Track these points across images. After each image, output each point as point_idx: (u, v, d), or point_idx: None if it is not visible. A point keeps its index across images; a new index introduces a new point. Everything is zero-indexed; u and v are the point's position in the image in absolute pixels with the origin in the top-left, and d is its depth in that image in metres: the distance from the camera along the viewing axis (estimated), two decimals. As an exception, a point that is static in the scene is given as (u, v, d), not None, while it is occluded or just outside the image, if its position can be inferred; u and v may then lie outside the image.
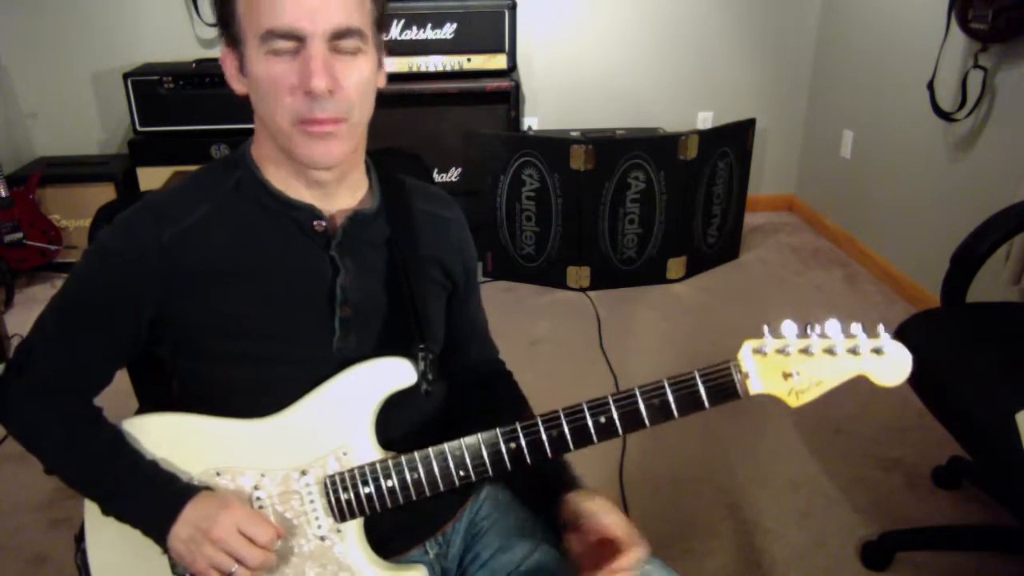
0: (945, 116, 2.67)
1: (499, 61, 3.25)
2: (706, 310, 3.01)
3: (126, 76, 3.16)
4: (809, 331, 0.86)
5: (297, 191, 0.93)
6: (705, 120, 3.83)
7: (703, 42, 3.70)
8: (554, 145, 2.99)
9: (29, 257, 3.14)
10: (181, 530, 0.87)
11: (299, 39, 0.82)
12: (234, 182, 0.93)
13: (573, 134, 3.47)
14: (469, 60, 3.24)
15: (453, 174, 3.32)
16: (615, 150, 2.97)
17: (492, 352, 1.19)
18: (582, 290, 3.15)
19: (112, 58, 3.47)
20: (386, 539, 0.97)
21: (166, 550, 0.89)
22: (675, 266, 3.20)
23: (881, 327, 0.85)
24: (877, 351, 0.84)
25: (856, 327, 0.85)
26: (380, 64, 0.92)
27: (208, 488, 0.91)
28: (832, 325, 0.85)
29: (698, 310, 3.02)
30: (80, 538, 0.99)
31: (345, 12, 0.83)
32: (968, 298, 1.75)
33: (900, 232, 3.08)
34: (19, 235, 3.08)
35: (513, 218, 3.15)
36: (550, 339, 2.79)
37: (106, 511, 0.91)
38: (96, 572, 0.97)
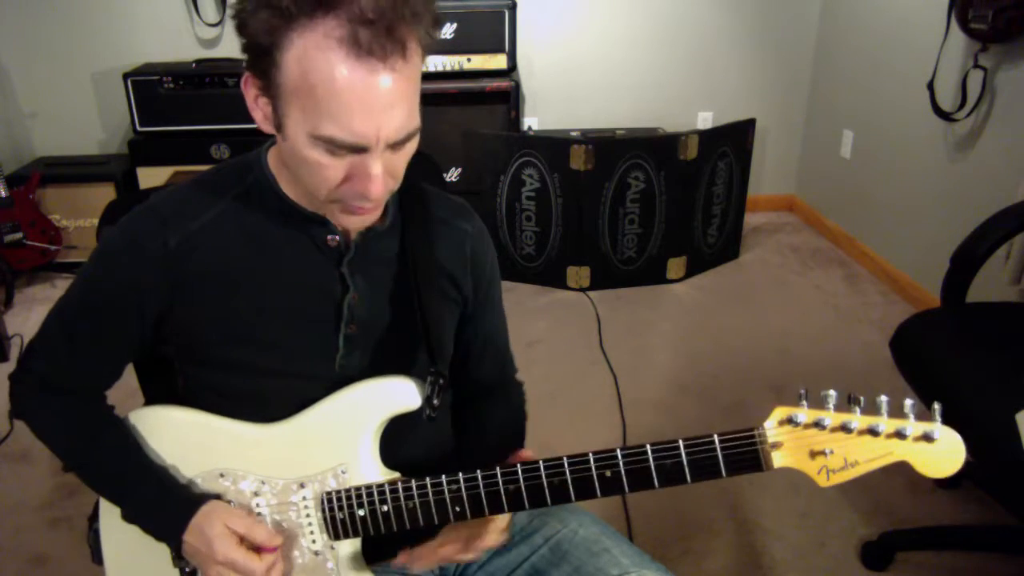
0: (945, 116, 2.67)
1: (499, 61, 3.25)
2: (706, 310, 3.01)
3: (126, 76, 3.16)
4: (851, 403, 0.77)
5: (311, 203, 0.89)
6: (705, 120, 3.83)
7: (703, 42, 3.70)
8: (554, 145, 2.99)
9: (29, 257, 3.14)
10: (189, 545, 0.89)
11: (362, 150, 0.77)
12: (246, 187, 0.90)
13: (573, 134, 3.47)
14: (469, 60, 3.24)
15: (453, 174, 3.32)
16: (615, 150, 2.97)
17: (506, 369, 1.13)
18: (582, 290, 3.15)
19: (112, 58, 3.47)
20: (384, 541, 0.97)
21: (180, 554, 0.91)
22: (675, 266, 3.20)
23: (937, 406, 0.77)
24: (927, 437, 0.75)
25: (908, 404, 0.76)
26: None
27: (213, 495, 0.91)
28: (881, 401, 0.76)
29: (698, 310, 3.02)
30: (93, 518, 1.00)
31: (409, 116, 0.78)
32: (968, 298, 1.75)
33: (900, 232, 3.08)
34: (19, 235, 3.08)
35: (513, 218, 3.15)
36: (550, 339, 2.79)
37: (122, 515, 0.92)
38: (108, 552, 0.98)
